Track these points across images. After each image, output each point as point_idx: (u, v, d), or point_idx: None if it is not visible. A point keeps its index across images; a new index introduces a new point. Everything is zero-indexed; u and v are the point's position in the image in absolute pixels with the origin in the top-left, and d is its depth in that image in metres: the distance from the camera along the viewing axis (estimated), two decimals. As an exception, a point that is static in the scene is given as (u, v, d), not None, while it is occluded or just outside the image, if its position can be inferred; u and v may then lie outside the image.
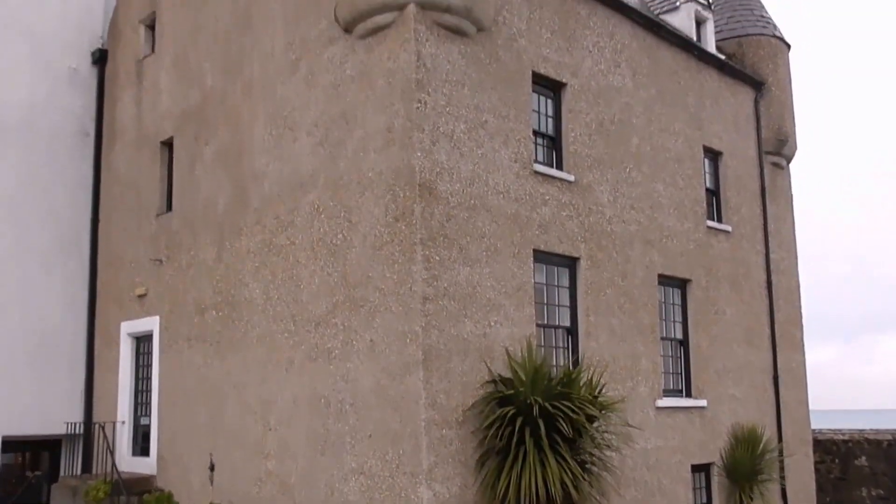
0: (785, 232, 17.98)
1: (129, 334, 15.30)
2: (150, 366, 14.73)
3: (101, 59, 16.80)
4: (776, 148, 17.75)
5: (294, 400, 11.70)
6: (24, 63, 15.97)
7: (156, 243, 14.89)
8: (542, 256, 12.19)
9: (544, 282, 12.31)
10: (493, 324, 11.08)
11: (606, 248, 13.25)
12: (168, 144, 15.11)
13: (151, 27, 15.98)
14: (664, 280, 14.48)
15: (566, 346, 12.56)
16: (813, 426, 18.24)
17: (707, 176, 16.09)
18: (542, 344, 12.08)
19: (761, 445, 15.06)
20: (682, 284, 14.97)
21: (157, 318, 14.58)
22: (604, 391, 11.59)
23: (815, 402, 18.18)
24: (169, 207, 14.84)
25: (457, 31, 11.26)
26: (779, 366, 16.88)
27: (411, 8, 10.77)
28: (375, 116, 11.07)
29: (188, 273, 14.06)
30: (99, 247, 16.33)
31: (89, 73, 16.85)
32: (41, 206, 15.82)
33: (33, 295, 15.52)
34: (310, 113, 12.08)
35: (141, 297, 14.99)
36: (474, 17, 11.24)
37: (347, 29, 11.46)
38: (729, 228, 16.15)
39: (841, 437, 19.00)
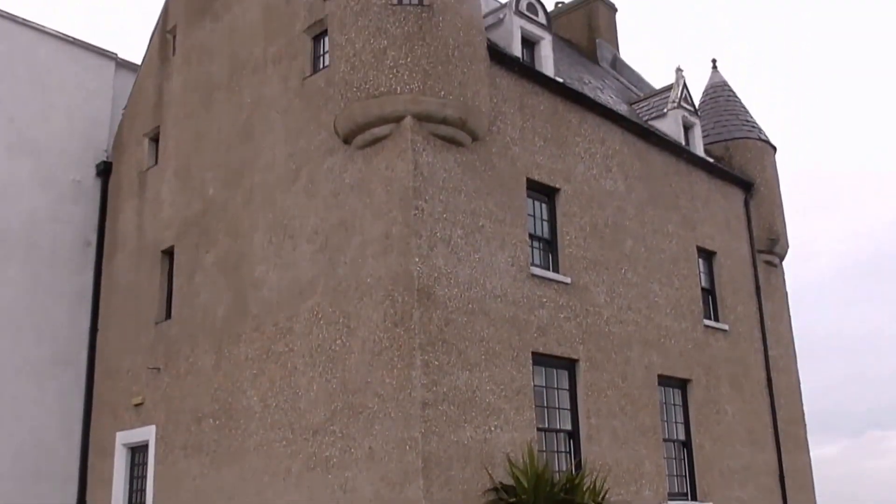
0: (782, 329, 18.02)
1: (124, 444, 15.06)
2: (144, 477, 14.43)
3: (105, 171, 17.18)
4: (768, 247, 18.00)
5: (292, 511, 11.44)
6: (29, 178, 16.30)
7: (154, 352, 14.85)
8: (541, 359, 12.19)
9: (544, 384, 12.27)
10: (493, 428, 10.98)
11: (605, 349, 13.26)
12: (168, 253, 15.28)
13: (155, 140, 16.42)
14: (664, 380, 14.42)
15: (568, 449, 12.40)
16: (823, 528, 17.79)
17: (702, 275, 16.26)
18: (544, 448, 11.94)
19: (771, 550, 14.66)
20: (682, 385, 14.90)
21: (153, 428, 14.39)
22: (608, 496, 11.40)
23: (823, 500, 17.80)
24: (168, 315, 14.88)
25: (452, 141, 11.61)
26: (784, 466, 16.61)
27: (408, 120, 11.15)
28: (374, 224, 11.28)
29: (186, 381, 13.98)
30: (96, 357, 16.25)
31: (93, 185, 17.19)
32: (39, 320, 15.84)
33: (26, 409, 15.34)
34: (310, 221, 12.30)
35: (137, 406, 14.84)
36: (469, 127, 11.62)
37: (346, 140, 11.82)
38: (726, 327, 16.21)
39: (852, 539, 18.50)
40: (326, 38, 12.78)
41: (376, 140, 11.43)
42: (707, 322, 15.76)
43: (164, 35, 16.66)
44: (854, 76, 58.00)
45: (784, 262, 18.71)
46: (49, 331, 15.94)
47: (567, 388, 12.65)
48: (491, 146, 12.28)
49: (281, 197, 12.91)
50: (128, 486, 14.91)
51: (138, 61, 17.61)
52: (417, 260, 10.74)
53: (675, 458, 14.49)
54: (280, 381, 12.13)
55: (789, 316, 18.48)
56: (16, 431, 15.15)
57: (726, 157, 18.31)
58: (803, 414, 17.92)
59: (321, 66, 12.93)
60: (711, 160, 17.46)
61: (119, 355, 15.69)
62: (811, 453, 17.79)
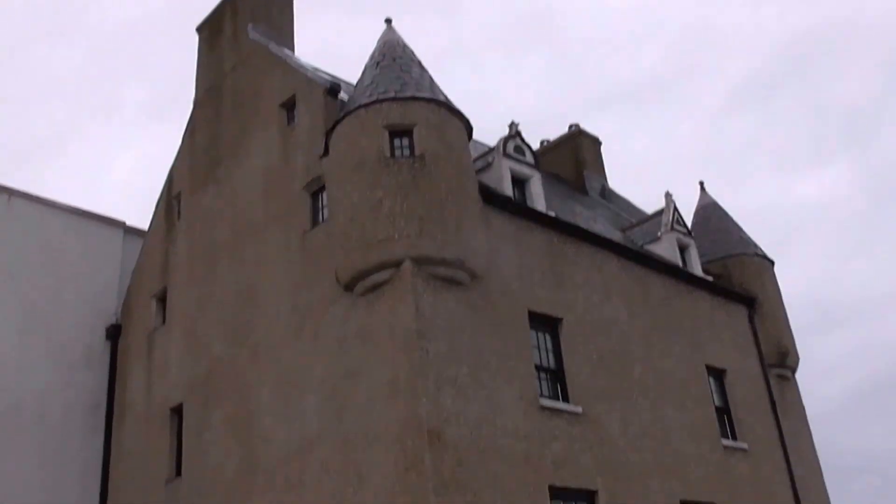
0: (804, 446, 17.65)
1: None
2: None
3: (114, 334, 17.43)
4: (778, 360, 17.90)
5: None
6: (40, 353, 16.54)
7: (165, 515, 14.56)
8: (559, 493, 11.94)
9: (564, 521, 11.96)
10: (515, 572, 10.64)
11: (624, 478, 12.99)
12: (177, 411, 15.27)
13: (162, 300, 16.75)
14: (688, 508, 14.02)
15: (595, 589, 11.94)
16: None
17: (714, 395, 16.10)
18: (570, 589, 11.50)
19: None
20: (707, 511, 14.46)
21: None
22: None
23: None
24: (178, 473, 14.71)
25: (452, 281, 11.87)
26: (825, 591, 15.86)
27: (407, 264, 11.45)
28: (380, 369, 11.36)
29: (199, 544, 13.63)
30: (107, 524, 15.94)
31: (103, 348, 17.39)
32: (52, 495, 15.62)
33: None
34: (316, 372, 12.38)
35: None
36: (467, 267, 11.91)
37: (348, 288, 12.08)
38: (745, 446, 15.90)
39: None
40: (324, 194, 13.30)
41: (377, 286, 11.70)
42: (725, 442, 15.48)
43: (170, 201, 17.33)
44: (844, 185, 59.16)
45: (800, 381, 18.53)
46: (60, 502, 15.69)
47: (588, 523, 12.32)
48: (490, 283, 12.52)
49: (286, 351, 13.05)
50: None
51: (146, 226, 18.22)
52: (425, 401, 10.74)
53: (709, 591, 13.87)
54: (294, 537, 11.85)
55: (809, 431, 18.14)
56: None
57: (725, 275, 18.53)
58: (838, 533, 17.28)
59: (321, 219, 13.38)
60: (710, 279, 17.67)
61: (130, 521, 15.37)
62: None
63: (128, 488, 15.74)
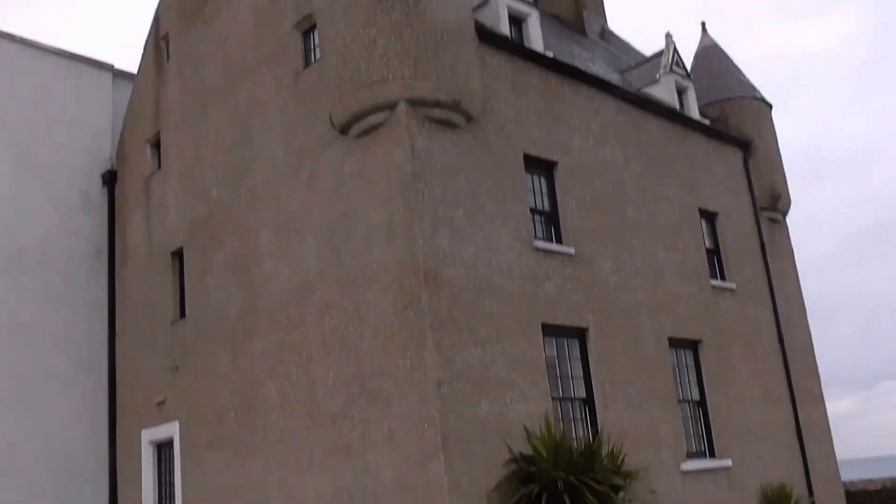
0: (790, 287, 18.16)
1: (150, 442, 15.42)
2: (172, 472, 14.78)
3: (110, 180, 17.46)
4: (770, 204, 18.11)
5: (317, 496, 11.73)
6: (39, 196, 16.62)
7: (171, 352, 15.16)
8: (551, 330, 12.39)
9: (555, 355, 12.48)
10: (509, 402, 11.21)
11: (614, 316, 13.45)
12: (178, 255, 15.55)
13: (157, 145, 16.66)
14: (675, 343, 14.61)
15: (584, 417, 12.63)
16: (843, 478, 17.98)
17: (706, 237, 16.40)
18: (560, 417, 12.16)
19: (792, 503, 14.86)
20: (693, 346, 15.09)
21: (176, 424, 14.73)
22: (626, 460, 11.61)
23: (841, 453, 17.98)
24: (182, 315, 15.18)
25: (447, 124, 11.78)
26: (801, 421, 16.79)
27: (402, 106, 11.31)
28: (376, 211, 11.48)
29: (204, 378, 14.27)
30: (117, 362, 16.60)
31: (100, 195, 17.48)
32: (59, 331, 16.20)
33: (54, 418, 15.74)
34: (313, 215, 12.51)
35: (160, 404, 15.17)
36: (463, 109, 11.77)
37: (343, 131, 12.00)
38: (733, 286, 16.36)
39: (874, 486, 18.70)
40: (316, 33, 12.95)
41: (372, 128, 11.62)
42: (714, 282, 15.91)
43: (158, 43, 16.87)
44: (856, 36, 57.51)
45: (791, 230, 18.83)
46: (69, 341, 16.29)
47: (579, 357, 12.86)
48: (486, 125, 12.44)
49: (283, 194, 13.13)
50: (157, 483, 15.28)
51: (134, 69, 17.85)
52: (422, 243, 10.93)
53: (692, 419, 14.70)
54: (296, 371, 12.39)
55: (797, 273, 18.60)
56: (46, 439, 15.53)
57: (722, 118, 18.40)
58: (817, 369, 18.08)
59: (313, 59, 13.10)
60: (707, 122, 17.55)
61: (138, 358, 16.01)
62: (827, 407, 17.96)
63: (134, 329, 16.28)
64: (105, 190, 17.52)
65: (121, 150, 17.56)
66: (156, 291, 15.87)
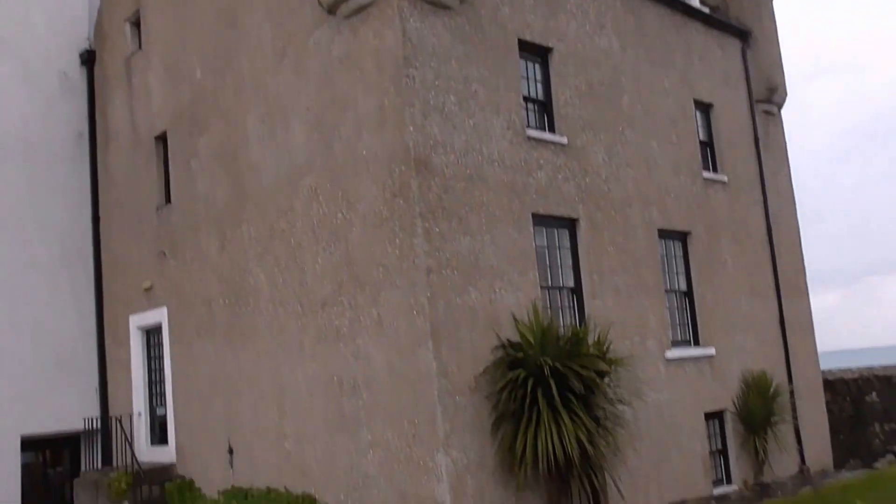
0: (781, 182, 18.08)
1: (139, 327, 15.52)
2: (161, 357, 14.95)
3: (89, 60, 16.88)
4: (766, 96, 17.81)
5: (307, 382, 11.90)
6: (15, 79, 16.09)
7: (158, 238, 15.05)
8: (541, 220, 12.31)
9: (545, 244, 12.45)
10: (497, 290, 11.23)
11: (605, 207, 13.37)
12: (162, 139, 15.21)
13: (137, 24, 16.03)
14: (664, 234, 14.61)
15: (571, 305, 12.72)
16: (822, 368, 18.44)
17: (700, 129, 16.17)
18: (549, 305, 12.24)
19: (772, 389, 15.26)
20: (682, 237, 15.10)
21: (164, 310, 14.79)
22: (612, 348, 11.76)
23: (822, 345, 18.39)
24: (168, 200, 14.98)
25: (440, 5, 11.31)
26: (785, 314, 17.04)
27: (392, -16, 10.82)
28: (366, 97, 11.16)
29: (192, 265, 14.23)
30: (102, 249, 16.51)
31: (80, 76, 16.94)
32: (42, 219, 15.99)
33: (42, 306, 15.74)
34: (301, 100, 12.17)
35: (147, 290, 15.18)
36: (456, -12, 11.29)
37: (331, 11, 11.52)
38: (725, 179, 16.26)
39: (851, 376, 19.20)
40: None
41: (361, 8, 11.14)
42: (706, 174, 15.79)
43: (134, -87, 15.99)
44: (857, -86, 55.44)
45: (786, 126, 18.58)
46: (53, 227, 16.12)
47: (569, 246, 12.84)
48: (479, 8, 11.96)
49: (270, 78, 12.72)
50: (146, 367, 15.47)
51: (110, -56, 16.96)
52: (412, 129, 10.68)
53: (678, 308, 14.87)
54: (285, 258, 12.34)
55: (789, 169, 18.49)
56: (33, 327, 15.59)
57: (722, 7, 17.86)
58: (803, 264, 18.22)
59: (299, -66, 12.44)
60: (707, 10, 17.02)
61: (124, 245, 15.92)
62: (811, 301, 18.21)
63: (119, 215, 16.11)
64: (84, 70, 16.96)
65: (99, 29, 16.91)
66: (140, 176, 15.62)
